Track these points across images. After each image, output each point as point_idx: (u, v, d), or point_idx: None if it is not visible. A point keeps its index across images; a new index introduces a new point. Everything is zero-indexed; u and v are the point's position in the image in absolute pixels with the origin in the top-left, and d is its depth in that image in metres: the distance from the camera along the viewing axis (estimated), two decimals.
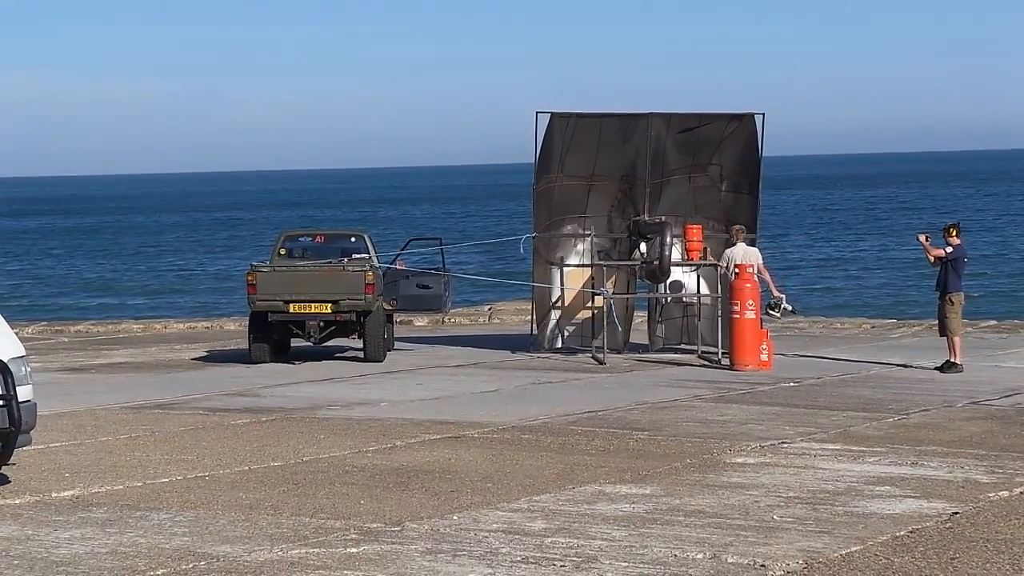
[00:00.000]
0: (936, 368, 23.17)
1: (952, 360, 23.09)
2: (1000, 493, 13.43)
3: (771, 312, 24.44)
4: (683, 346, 26.60)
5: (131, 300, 59.08)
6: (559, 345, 26.73)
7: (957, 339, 23.24)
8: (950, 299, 23.21)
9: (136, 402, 20.00)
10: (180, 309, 52.64)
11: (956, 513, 12.62)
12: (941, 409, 19.03)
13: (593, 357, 25.36)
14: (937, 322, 23.96)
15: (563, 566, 10.88)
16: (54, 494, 13.46)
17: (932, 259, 23.47)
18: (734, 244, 24.54)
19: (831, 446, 16.05)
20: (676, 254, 25.85)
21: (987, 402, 19.68)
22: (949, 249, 23.24)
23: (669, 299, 26.69)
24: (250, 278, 24.77)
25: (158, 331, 32.90)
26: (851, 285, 58.51)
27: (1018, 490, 13.58)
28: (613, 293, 26.00)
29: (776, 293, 24.54)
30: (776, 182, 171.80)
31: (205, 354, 27.03)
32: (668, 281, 26.07)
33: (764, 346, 23.61)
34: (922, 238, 23.57)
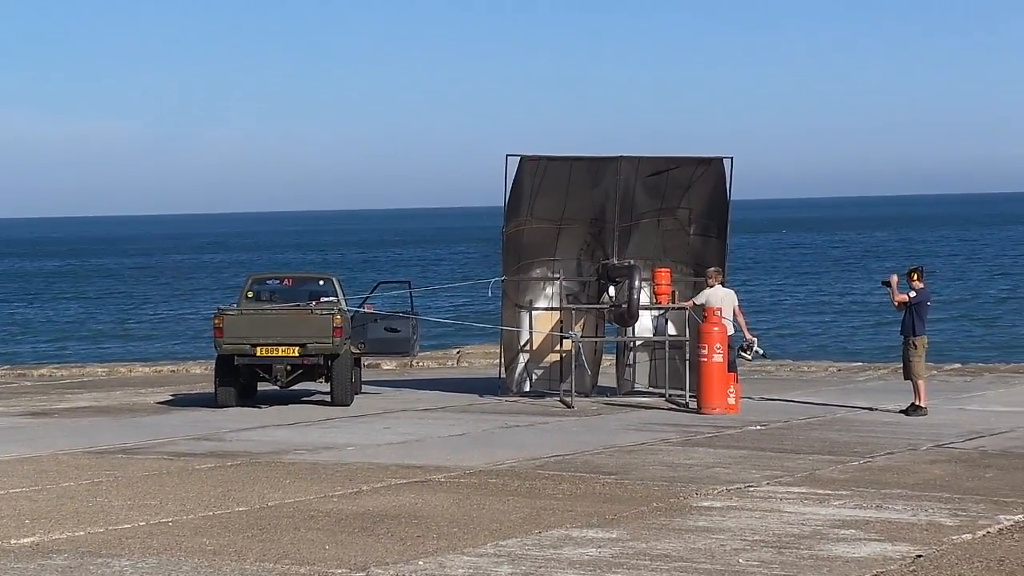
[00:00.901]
0: (901, 411, 23.24)
1: (917, 403, 23.17)
2: (964, 536, 13.46)
3: (743, 354, 24.49)
4: (651, 389, 26.61)
5: (95, 344, 58.82)
6: (527, 389, 26.71)
7: (921, 382, 23.33)
8: (914, 342, 23.32)
9: (99, 447, 19.88)
10: (146, 353, 52.43)
11: (920, 556, 12.63)
12: (906, 452, 19.07)
13: (561, 401, 25.35)
14: (902, 365, 24.04)
15: None
16: (13, 541, 13.35)
17: (896, 303, 23.57)
18: (711, 287, 24.57)
19: (797, 489, 16.06)
20: (645, 298, 25.89)
21: (951, 445, 19.74)
22: (912, 293, 23.35)
23: (637, 343, 26.72)
24: (217, 321, 24.69)
25: (123, 375, 32.76)
26: (818, 328, 58.67)
27: (981, 533, 13.60)
28: (581, 336, 26.01)
29: (748, 336, 24.61)
30: (756, 225, 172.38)
31: (170, 398, 26.92)
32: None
33: (731, 389, 23.65)
34: (894, 280, 23.60)
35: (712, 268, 25.13)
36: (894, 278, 23.76)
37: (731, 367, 23.79)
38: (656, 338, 26.51)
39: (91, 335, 63.18)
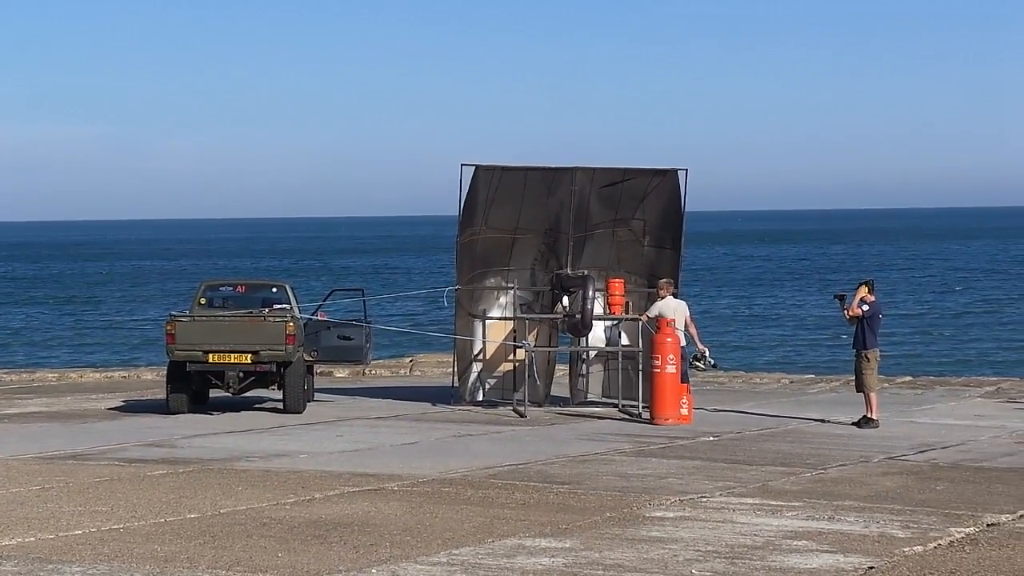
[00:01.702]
0: (853, 423, 23.35)
1: (868, 415, 23.29)
2: (915, 548, 13.52)
3: (696, 364, 24.56)
4: (604, 399, 26.65)
5: (47, 349, 58.45)
6: (480, 398, 26.69)
7: (873, 395, 23.46)
8: (866, 355, 23.44)
9: (49, 452, 19.74)
10: (97, 357, 52.15)
11: (872, 568, 12.69)
12: (858, 464, 19.16)
13: (514, 410, 25.35)
14: (854, 378, 24.17)
15: None
16: None
17: (848, 317, 23.69)
18: (663, 298, 24.62)
19: (750, 500, 16.10)
20: (598, 308, 25.92)
21: (903, 457, 19.84)
22: (865, 307, 23.47)
23: (591, 353, 26.76)
24: (169, 327, 24.59)
25: (74, 380, 32.55)
26: (771, 340, 58.91)
27: (932, 545, 13.67)
28: (535, 346, 26.03)
29: (700, 346, 24.67)
30: (712, 237, 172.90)
31: (122, 404, 26.76)
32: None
33: (684, 400, 23.71)
34: (856, 299, 23.64)
35: (663, 280, 25.19)
36: (847, 296, 23.84)
37: (684, 378, 23.86)
38: (609, 348, 26.54)
39: (42, 340, 62.79)
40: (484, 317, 26.73)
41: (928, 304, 75.05)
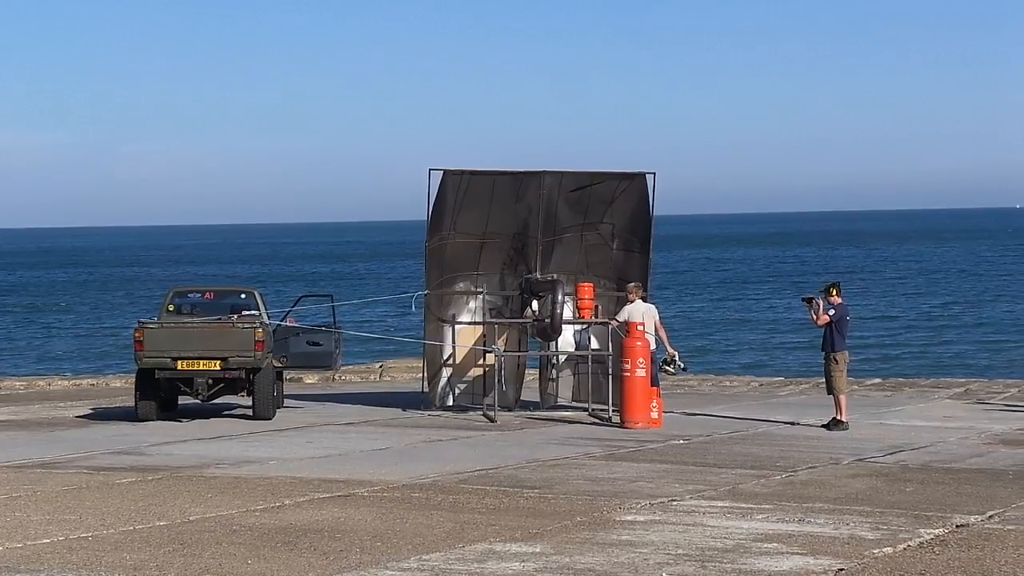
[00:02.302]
0: (823, 426, 23.40)
1: (838, 418, 23.34)
2: (884, 549, 13.56)
3: (666, 368, 24.59)
4: (574, 404, 26.65)
5: (14, 356, 58.17)
6: (450, 403, 26.67)
7: (843, 397, 23.52)
8: (835, 358, 23.49)
9: (17, 461, 19.63)
10: (65, 365, 51.94)
11: (842, 570, 12.71)
12: (827, 466, 19.20)
13: (484, 415, 25.33)
14: (824, 380, 24.22)
15: None
16: None
17: (816, 320, 23.73)
18: (631, 302, 24.64)
19: (720, 503, 16.12)
20: (568, 312, 25.94)
21: (872, 459, 19.90)
22: (832, 311, 23.52)
23: (561, 357, 26.76)
24: (137, 334, 24.50)
25: (41, 388, 32.40)
26: (741, 343, 59.04)
27: (902, 547, 13.71)
28: (504, 351, 26.02)
29: (670, 350, 24.70)
30: (681, 240, 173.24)
31: (90, 412, 26.65)
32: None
33: (654, 404, 23.73)
34: (820, 302, 23.70)
35: (632, 283, 25.22)
36: (811, 299, 23.88)
37: (654, 381, 23.88)
38: (579, 352, 26.56)
39: (8, 348, 62.49)
40: (454, 322, 26.72)
41: (899, 305, 75.31)
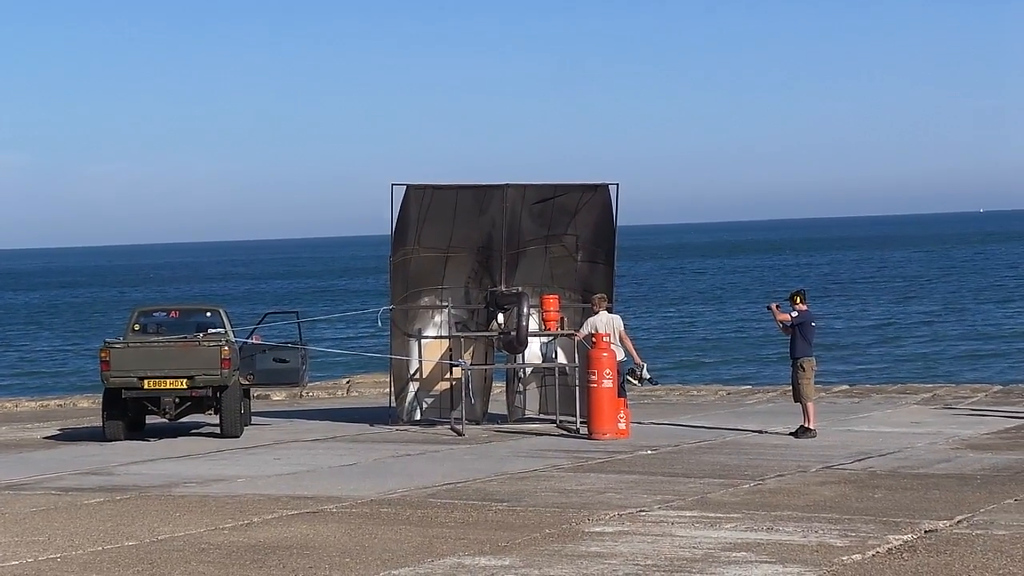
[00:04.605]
0: (791, 433, 23.47)
1: (806, 425, 23.41)
2: (853, 556, 13.60)
3: (631, 380, 24.60)
4: (542, 416, 26.66)
5: None
6: (418, 417, 26.65)
7: (810, 404, 23.58)
8: (801, 365, 23.56)
9: None
10: (32, 384, 51.68)
11: None
12: (796, 474, 19.25)
13: (452, 429, 25.32)
14: (791, 388, 24.28)
15: None
16: None
17: (780, 325, 23.83)
18: (596, 313, 24.67)
19: (688, 513, 16.15)
20: (533, 324, 25.95)
21: (840, 466, 19.96)
22: (795, 314, 23.59)
23: (527, 370, 26.77)
24: (103, 354, 24.43)
25: (8, 409, 32.23)
26: (708, 354, 59.15)
27: (871, 553, 13.76)
28: (471, 364, 26.02)
29: (638, 360, 24.74)
30: (645, 251, 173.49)
31: (58, 432, 26.54)
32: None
33: (622, 414, 23.76)
34: (774, 306, 23.91)
35: (597, 295, 25.25)
36: (774, 305, 23.99)
37: (621, 392, 23.91)
38: (545, 365, 26.57)
39: None
40: (419, 336, 26.71)
41: (864, 313, 75.56)
